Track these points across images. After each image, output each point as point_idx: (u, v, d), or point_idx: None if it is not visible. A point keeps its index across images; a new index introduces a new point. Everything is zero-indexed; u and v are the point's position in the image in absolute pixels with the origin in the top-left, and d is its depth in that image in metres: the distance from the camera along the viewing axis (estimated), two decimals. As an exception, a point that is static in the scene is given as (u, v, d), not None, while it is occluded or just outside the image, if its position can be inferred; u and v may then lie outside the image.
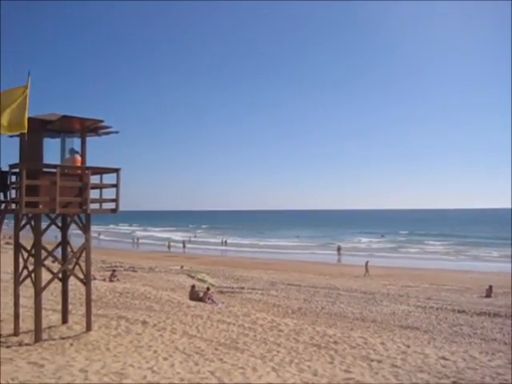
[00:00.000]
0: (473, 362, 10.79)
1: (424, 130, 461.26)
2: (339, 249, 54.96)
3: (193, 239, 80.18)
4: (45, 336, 10.82)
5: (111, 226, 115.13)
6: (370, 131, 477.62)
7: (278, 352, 10.97)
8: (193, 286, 20.21)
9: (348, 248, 64.34)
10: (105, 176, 11.73)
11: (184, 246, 65.82)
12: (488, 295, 22.87)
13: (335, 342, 12.21)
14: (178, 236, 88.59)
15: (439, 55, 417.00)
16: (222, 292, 22.46)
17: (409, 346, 12.13)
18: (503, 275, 33.64)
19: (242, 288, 24.06)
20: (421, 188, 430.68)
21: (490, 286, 23.43)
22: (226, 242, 72.67)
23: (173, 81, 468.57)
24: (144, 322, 13.34)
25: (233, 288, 24.04)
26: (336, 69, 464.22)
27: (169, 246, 64.22)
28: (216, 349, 10.99)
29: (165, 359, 9.71)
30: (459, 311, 18.45)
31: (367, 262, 35.89)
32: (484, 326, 15.85)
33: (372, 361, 10.52)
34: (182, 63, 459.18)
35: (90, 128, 11.28)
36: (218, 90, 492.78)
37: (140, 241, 76.02)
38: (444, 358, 10.98)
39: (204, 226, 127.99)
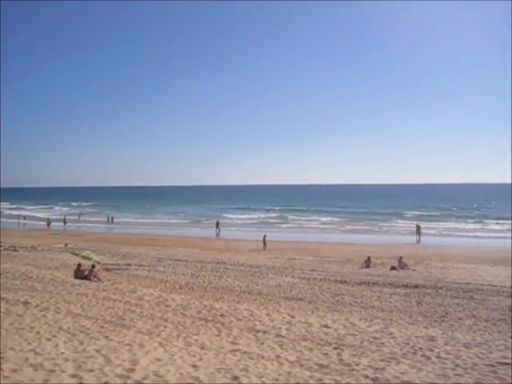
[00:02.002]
0: (353, 328, 11.82)
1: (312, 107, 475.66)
2: (218, 224, 55.90)
3: (75, 218, 77.10)
4: None
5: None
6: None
7: (165, 327, 11.26)
8: (79, 264, 19.81)
9: (231, 224, 65.76)
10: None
11: (65, 223, 63.37)
12: (367, 266, 24.65)
13: (222, 315, 12.74)
14: (57, 213, 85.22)
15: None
16: (108, 269, 22.15)
17: (293, 317, 12.96)
18: (380, 247, 36.45)
19: (129, 265, 23.87)
20: (309, 163, 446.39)
21: (369, 257, 25.24)
22: (112, 218, 70.84)
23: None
24: (26, 303, 12.99)
25: (119, 265, 23.77)
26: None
27: (48, 224, 61.44)
28: (102, 327, 11.02)
29: (48, 340, 9.59)
30: (341, 281, 19.77)
31: (265, 235, 36.84)
32: (363, 294, 17.17)
33: (258, 332, 11.16)
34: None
35: None
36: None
37: (21, 221, 71.62)
38: (326, 326, 11.91)
39: (87, 204, 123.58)
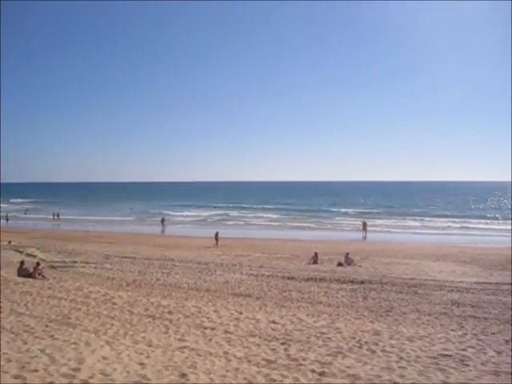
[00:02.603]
0: (300, 323, 11.99)
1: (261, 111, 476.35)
2: (163, 220, 55.49)
3: (20, 214, 74.59)
4: None
5: None
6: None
7: (112, 325, 11.11)
8: (21, 262, 19.29)
9: (177, 221, 65.40)
10: None
11: (7, 220, 61.20)
12: (315, 262, 24.97)
13: (170, 312, 12.69)
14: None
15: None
16: (53, 267, 21.60)
17: (241, 313, 13.03)
18: (327, 243, 37.01)
19: (75, 262, 23.36)
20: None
21: (316, 254, 25.55)
22: (58, 215, 68.98)
23: None
24: (-35, 304, 12.57)
25: (65, 262, 23.22)
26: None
27: None
28: (47, 325, 10.79)
29: (-11, 341, 9.31)
30: (289, 278, 19.97)
31: (217, 232, 36.72)
32: (311, 290, 17.41)
33: (206, 328, 11.16)
34: None
35: None
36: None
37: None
38: (274, 322, 12.03)
39: (31, 200, 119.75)
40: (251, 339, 10.40)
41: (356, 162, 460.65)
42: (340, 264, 24.19)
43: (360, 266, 23.78)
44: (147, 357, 8.76)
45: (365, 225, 46.80)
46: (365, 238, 44.34)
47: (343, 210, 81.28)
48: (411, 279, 19.66)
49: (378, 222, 60.60)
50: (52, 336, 9.89)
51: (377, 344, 10.23)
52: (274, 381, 7.81)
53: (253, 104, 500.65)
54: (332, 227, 56.31)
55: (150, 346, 9.56)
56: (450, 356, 9.41)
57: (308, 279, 19.68)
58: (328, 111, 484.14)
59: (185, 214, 77.60)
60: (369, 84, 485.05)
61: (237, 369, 8.31)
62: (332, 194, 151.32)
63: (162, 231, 51.98)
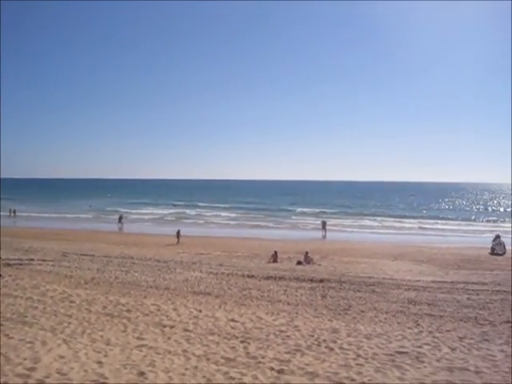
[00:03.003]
0: (259, 322, 12.05)
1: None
2: (121, 218, 54.75)
3: None
4: None
5: None
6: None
7: (70, 323, 10.96)
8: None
9: (136, 219, 64.74)
10: None
11: None
12: (274, 260, 25.10)
13: (128, 311, 12.59)
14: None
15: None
16: (8, 264, 21.00)
17: (201, 311, 13.03)
18: (287, 242, 37.26)
19: (32, 259, 22.77)
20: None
21: (276, 252, 25.69)
22: (14, 211, 67.13)
23: None
24: None
25: (21, 260, 22.60)
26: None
27: None
28: (1, 324, 10.55)
29: None
30: (248, 276, 20.01)
31: (179, 230, 36.44)
32: (270, 288, 17.48)
33: (165, 326, 11.13)
34: None
35: None
36: None
37: None
38: (233, 320, 12.07)
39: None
40: (210, 337, 10.40)
41: (316, 162, 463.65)
42: (299, 263, 24.38)
43: (319, 265, 24.02)
44: (105, 355, 8.67)
45: (324, 224, 47.21)
46: (324, 237, 44.76)
47: (303, 209, 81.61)
48: (369, 278, 19.95)
49: (337, 221, 61.28)
50: (7, 335, 9.68)
51: (335, 342, 10.38)
52: (233, 379, 7.85)
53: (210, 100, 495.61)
54: (291, 226, 56.62)
55: (107, 344, 9.47)
56: (406, 353, 9.62)
57: (267, 278, 19.74)
58: (286, 110, 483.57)
59: (143, 211, 76.65)
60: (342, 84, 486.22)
61: (196, 367, 8.31)
62: (292, 193, 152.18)
63: (120, 229, 51.30)
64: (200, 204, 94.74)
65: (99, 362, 8.24)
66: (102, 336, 10.05)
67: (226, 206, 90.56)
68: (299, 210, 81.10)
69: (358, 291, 17.36)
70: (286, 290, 17.25)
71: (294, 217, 68.70)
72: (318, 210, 78.03)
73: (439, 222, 63.06)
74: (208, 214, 73.34)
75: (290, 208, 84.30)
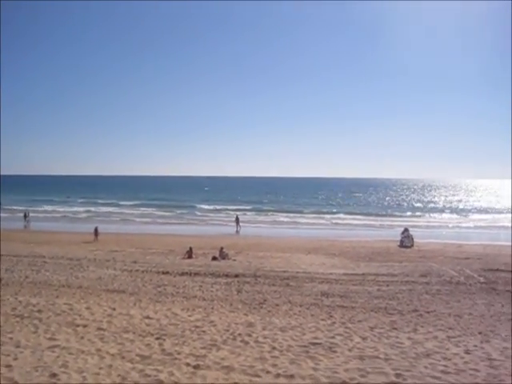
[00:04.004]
0: (175, 318, 12.03)
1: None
2: (26, 215, 52.35)
3: None
4: None
5: None
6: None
7: (-25, 327, 10.43)
8: None
9: (42, 217, 62.25)
10: None
11: None
12: (189, 256, 24.99)
13: (39, 311, 12.19)
14: None
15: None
16: None
17: (115, 309, 12.80)
18: (202, 237, 37.20)
19: None
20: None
21: (191, 248, 25.60)
22: None
23: None
24: None
25: None
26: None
27: None
28: None
29: None
30: (163, 272, 19.81)
31: (96, 227, 35.32)
32: (186, 284, 17.41)
33: (78, 326, 10.85)
34: None
35: None
36: None
37: None
38: (148, 317, 11.96)
39: None
40: (125, 335, 10.26)
41: (230, 157, 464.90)
42: (214, 258, 24.42)
43: (234, 260, 24.17)
44: (15, 358, 8.34)
45: (237, 219, 47.46)
46: (238, 232, 45.04)
47: (216, 206, 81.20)
48: (284, 272, 20.31)
49: (252, 217, 61.98)
50: None
51: (250, 335, 10.53)
52: (149, 376, 7.79)
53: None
54: (205, 222, 56.51)
55: (17, 346, 9.12)
56: (320, 344, 9.93)
57: (183, 274, 19.66)
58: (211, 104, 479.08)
59: (49, 208, 73.72)
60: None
61: (110, 366, 8.17)
62: (208, 190, 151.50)
63: (26, 226, 49.05)
64: (115, 201, 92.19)
65: (8, 366, 7.93)
66: (11, 338, 9.65)
67: (142, 202, 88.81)
68: (212, 207, 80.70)
69: (273, 285, 17.65)
70: (201, 286, 17.25)
71: (209, 214, 68.60)
72: (231, 207, 77.96)
73: (352, 216, 65.18)
74: (126, 211, 71.58)
75: (200, 205, 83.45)
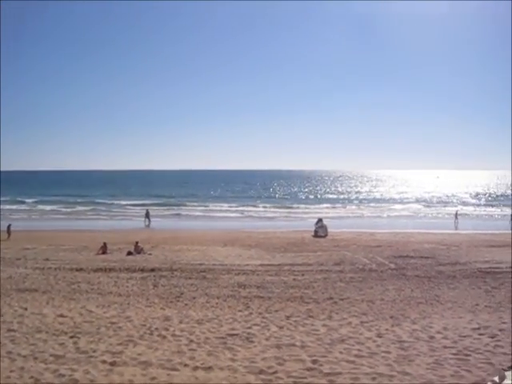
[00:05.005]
0: (90, 315, 11.78)
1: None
2: None
3: None
4: None
5: None
6: None
7: None
8: None
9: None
10: None
11: None
12: (104, 252, 24.44)
13: None
14: None
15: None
16: None
17: (26, 309, 12.36)
18: (116, 232, 36.30)
19: None
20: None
21: (105, 243, 25.04)
22: None
23: None
24: None
25: None
26: None
27: None
28: None
29: None
30: (77, 269, 19.25)
31: (9, 224, 33.51)
32: (100, 281, 17.02)
33: (-16, 329, 10.36)
34: None
35: None
36: None
37: None
38: (62, 316, 11.64)
39: None
40: (37, 335, 9.95)
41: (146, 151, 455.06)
42: (130, 253, 24.03)
43: (150, 254, 23.88)
44: None
45: (148, 213, 46.72)
46: (148, 226, 44.37)
47: (124, 202, 78.44)
48: (200, 265, 20.33)
49: (167, 210, 61.45)
50: None
51: (167, 329, 10.52)
52: (63, 376, 7.61)
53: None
54: (120, 217, 55.10)
55: None
56: (237, 335, 10.07)
57: (97, 270, 19.21)
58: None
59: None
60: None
61: (22, 368, 7.91)
62: (110, 184, 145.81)
63: None
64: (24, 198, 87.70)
65: None
66: None
67: (55, 198, 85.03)
68: (126, 202, 78.02)
69: (190, 278, 17.63)
70: (116, 282, 16.95)
71: (114, 207, 66.85)
72: (138, 202, 75.58)
73: (267, 208, 66.08)
74: (39, 207, 68.47)
75: (106, 201, 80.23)
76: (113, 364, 8.21)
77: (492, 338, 10.04)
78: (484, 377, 7.22)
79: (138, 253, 24.11)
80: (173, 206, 68.80)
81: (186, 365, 8.26)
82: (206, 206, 68.21)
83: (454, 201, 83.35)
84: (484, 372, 7.83)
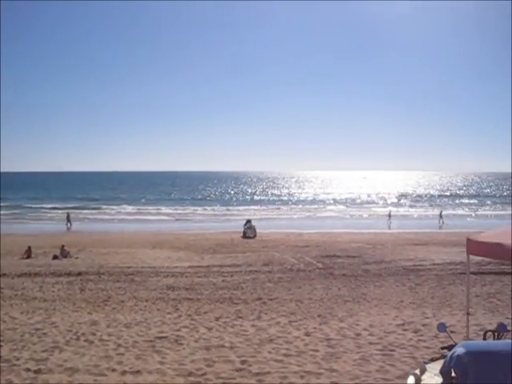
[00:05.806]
0: (13, 322, 11.36)
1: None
2: None
3: None
4: None
5: None
6: None
7: None
8: None
9: None
10: None
11: None
12: (28, 256, 23.58)
13: None
14: None
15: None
16: None
17: None
18: (41, 236, 35.08)
19: None
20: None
21: (29, 247, 24.17)
22: None
23: None
24: None
25: None
26: None
27: None
28: None
29: None
30: (0, 275, 18.55)
31: None
32: (25, 286, 16.42)
33: None
34: None
35: None
36: None
37: None
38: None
39: None
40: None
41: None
42: (55, 257, 23.32)
43: (77, 258, 23.28)
44: None
45: (68, 216, 45.53)
46: (69, 229, 43.20)
47: (45, 205, 74.75)
48: (128, 268, 20.03)
49: (92, 213, 59.99)
50: None
51: (94, 334, 10.33)
52: (-18, 388, 7.29)
53: None
54: (44, 221, 53.09)
55: None
56: (166, 337, 10.02)
57: (21, 275, 18.52)
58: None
59: None
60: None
61: None
62: (34, 184, 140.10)
63: None
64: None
65: None
66: None
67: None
68: (51, 205, 75.09)
69: (118, 281, 17.34)
70: (41, 287, 16.42)
71: (38, 210, 64.36)
72: (72, 204, 73.00)
73: (196, 209, 65.82)
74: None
75: (39, 204, 77.22)
76: (37, 372, 7.97)
77: (415, 332, 10.52)
78: (407, 370, 7.53)
79: (65, 256, 23.44)
80: (100, 209, 67.19)
81: (113, 369, 8.14)
82: (136, 209, 67.12)
83: (376, 201, 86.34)
84: (407, 366, 8.20)
